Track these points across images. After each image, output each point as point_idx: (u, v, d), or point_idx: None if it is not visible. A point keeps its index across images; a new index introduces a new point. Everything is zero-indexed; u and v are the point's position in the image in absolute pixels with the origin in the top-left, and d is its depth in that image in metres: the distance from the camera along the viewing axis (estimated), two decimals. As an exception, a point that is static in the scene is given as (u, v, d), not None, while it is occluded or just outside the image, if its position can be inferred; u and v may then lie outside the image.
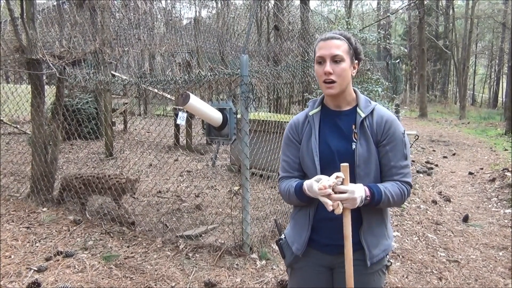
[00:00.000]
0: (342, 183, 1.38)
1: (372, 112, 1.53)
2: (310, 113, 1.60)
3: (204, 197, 5.16)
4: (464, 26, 25.67)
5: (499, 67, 34.49)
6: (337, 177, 1.38)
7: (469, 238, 4.16)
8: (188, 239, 3.66)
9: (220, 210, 4.65)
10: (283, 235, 1.70)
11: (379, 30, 23.51)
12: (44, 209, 4.34)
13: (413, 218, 4.73)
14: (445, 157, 9.10)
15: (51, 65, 4.36)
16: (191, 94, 2.94)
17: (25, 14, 4.36)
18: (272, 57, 8.20)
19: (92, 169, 6.41)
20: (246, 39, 6.44)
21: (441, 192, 5.92)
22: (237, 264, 3.25)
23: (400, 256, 3.63)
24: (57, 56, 4.84)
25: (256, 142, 5.14)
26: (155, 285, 2.93)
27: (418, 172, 7.11)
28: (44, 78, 4.77)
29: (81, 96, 8.94)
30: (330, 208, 1.36)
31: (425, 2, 22.92)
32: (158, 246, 3.57)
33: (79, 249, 3.46)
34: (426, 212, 5.01)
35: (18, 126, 8.80)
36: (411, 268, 3.42)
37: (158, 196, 5.16)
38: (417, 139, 9.47)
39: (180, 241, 3.63)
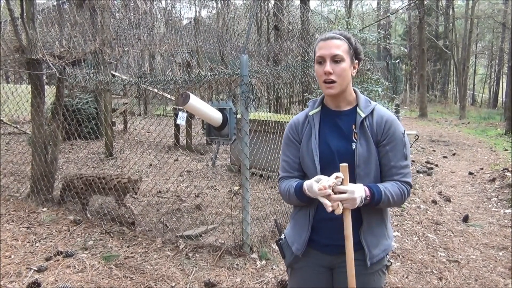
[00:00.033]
0: (341, 183, 1.38)
1: (372, 112, 1.53)
2: (310, 113, 1.60)
3: (204, 197, 5.16)
4: (464, 26, 25.67)
5: (499, 67, 34.49)
6: (337, 177, 1.38)
7: (469, 238, 4.16)
8: (188, 239, 3.66)
9: (220, 210, 4.65)
10: (283, 235, 1.70)
11: (379, 30, 23.51)
12: (44, 209, 4.34)
13: (413, 218, 4.73)
14: (445, 157, 9.10)
15: (51, 65, 4.36)
16: (191, 94, 2.94)
17: (25, 14, 4.36)
18: (272, 57, 8.20)
19: (92, 169, 6.41)
20: (246, 39, 6.44)
21: (441, 192, 5.92)
22: (237, 264, 3.25)
23: (400, 256, 3.63)
24: (57, 56, 4.84)
25: (256, 142, 5.14)
26: (155, 285, 2.93)
27: (418, 172, 7.11)
28: (44, 78, 4.77)
29: (81, 96, 8.94)
30: (329, 209, 1.36)
31: (425, 2, 22.92)
32: (158, 246, 3.57)
33: (79, 249, 3.46)
34: (426, 212, 5.01)
35: (18, 126, 8.80)
36: (411, 268, 3.42)
37: (158, 196, 5.16)
38: (417, 139, 9.47)
39: (180, 241, 3.63)
